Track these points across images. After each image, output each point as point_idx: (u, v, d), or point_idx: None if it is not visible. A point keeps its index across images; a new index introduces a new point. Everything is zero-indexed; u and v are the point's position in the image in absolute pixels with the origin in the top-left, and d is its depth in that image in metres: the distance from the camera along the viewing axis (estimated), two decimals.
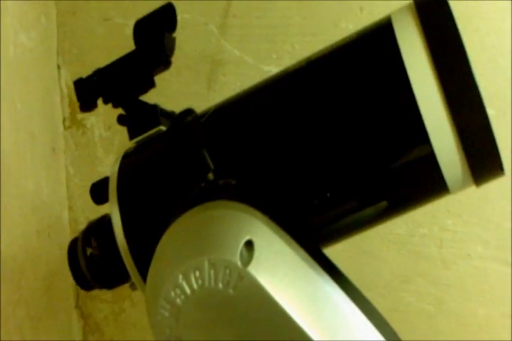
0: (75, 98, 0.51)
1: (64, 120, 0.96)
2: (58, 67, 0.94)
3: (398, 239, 0.86)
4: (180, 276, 0.36)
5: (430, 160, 0.38)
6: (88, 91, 0.51)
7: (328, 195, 0.41)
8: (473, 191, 0.80)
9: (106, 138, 0.94)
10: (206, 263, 0.36)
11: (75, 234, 0.53)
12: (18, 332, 0.83)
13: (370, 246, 0.87)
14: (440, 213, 0.84)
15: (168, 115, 0.51)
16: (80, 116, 0.94)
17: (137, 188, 0.48)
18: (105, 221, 0.51)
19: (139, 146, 0.50)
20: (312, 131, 0.41)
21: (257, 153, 0.43)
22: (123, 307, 1.01)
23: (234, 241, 0.36)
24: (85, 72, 0.50)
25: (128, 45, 0.47)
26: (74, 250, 0.51)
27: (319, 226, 0.43)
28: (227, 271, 0.35)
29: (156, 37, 0.48)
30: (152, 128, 0.49)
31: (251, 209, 0.38)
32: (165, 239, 0.39)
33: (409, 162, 0.40)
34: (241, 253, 0.36)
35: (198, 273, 0.36)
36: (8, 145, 0.81)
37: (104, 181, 0.50)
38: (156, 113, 0.50)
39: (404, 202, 0.43)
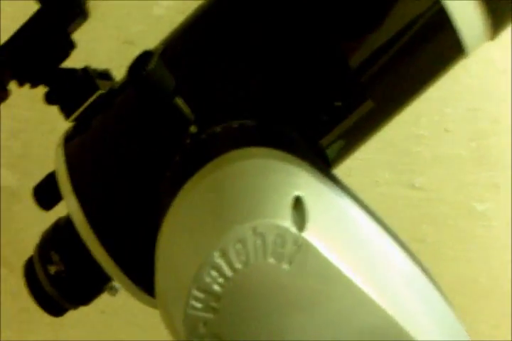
0: None
1: None
2: None
3: None
4: (216, 254, 0.26)
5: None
6: None
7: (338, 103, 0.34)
8: None
9: None
10: (250, 232, 0.26)
11: None
12: None
13: None
14: None
15: (105, 75, 0.41)
16: None
17: (99, 170, 0.38)
18: (61, 227, 0.41)
19: (80, 122, 0.39)
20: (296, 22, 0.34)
21: (249, 74, 0.35)
22: None
23: (281, 199, 0.27)
24: None
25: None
26: (32, 273, 0.41)
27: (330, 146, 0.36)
28: (279, 240, 0.27)
29: None
30: (90, 96, 0.39)
31: (289, 156, 0.29)
32: (175, 213, 0.28)
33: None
34: (292, 215, 0.27)
35: (239, 247, 0.26)
36: None
37: (49, 178, 0.40)
38: (89, 76, 0.39)
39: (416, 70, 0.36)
